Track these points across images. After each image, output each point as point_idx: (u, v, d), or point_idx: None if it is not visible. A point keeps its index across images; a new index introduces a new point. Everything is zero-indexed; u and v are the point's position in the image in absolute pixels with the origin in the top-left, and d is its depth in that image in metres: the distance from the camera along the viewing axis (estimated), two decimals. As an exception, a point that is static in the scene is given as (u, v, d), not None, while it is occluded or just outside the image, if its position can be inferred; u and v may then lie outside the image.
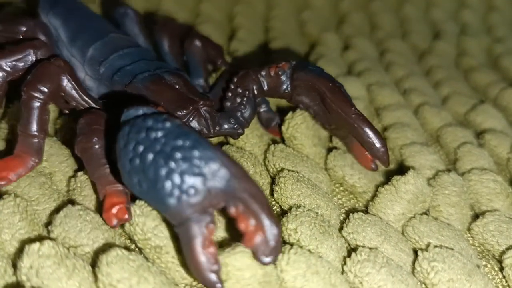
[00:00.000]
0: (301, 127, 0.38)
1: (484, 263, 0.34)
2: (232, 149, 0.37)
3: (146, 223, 0.29)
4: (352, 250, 0.32)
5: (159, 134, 0.26)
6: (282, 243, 0.32)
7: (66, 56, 0.37)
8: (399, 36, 0.64)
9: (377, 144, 0.35)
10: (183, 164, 0.25)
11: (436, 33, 0.66)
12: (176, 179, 0.25)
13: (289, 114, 0.39)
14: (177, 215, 0.26)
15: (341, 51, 0.57)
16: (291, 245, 0.30)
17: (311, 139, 0.39)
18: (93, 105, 0.34)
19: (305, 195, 0.34)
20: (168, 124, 0.26)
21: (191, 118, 0.33)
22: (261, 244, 0.25)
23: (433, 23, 0.68)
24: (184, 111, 0.33)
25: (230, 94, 0.36)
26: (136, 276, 0.26)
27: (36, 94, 0.32)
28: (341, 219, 0.35)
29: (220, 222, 0.31)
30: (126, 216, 0.29)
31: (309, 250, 0.30)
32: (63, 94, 0.33)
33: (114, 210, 0.29)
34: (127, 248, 0.30)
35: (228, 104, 0.36)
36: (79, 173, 0.33)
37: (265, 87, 0.37)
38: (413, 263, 0.32)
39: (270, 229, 0.25)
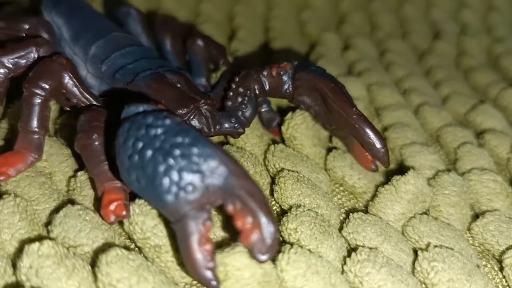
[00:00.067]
0: (301, 127, 0.38)
1: (484, 263, 0.34)
2: (232, 149, 0.37)
3: (146, 222, 0.29)
4: (352, 250, 0.32)
5: (159, 131, 0.26)
6: (282, 243, 0.32)
7: (68, 54, 0.38)
8: (399, 36, 0.64)
9: (378, 145, 0.35)
10: (181, 161, 0.25)
11: (436, 33, 0.66)
12: (174, 176, 0.25)
13: (289, 115, 0.39)
14: (175, 212, 0.26)
15: (341, 51, 0.57)
16: (291, 244, 0.30)
17: (311, 139, 0.39)
18: (94, 103, 0.34)
19: (305, 195, 0.34)
20: (168, 121, 0.27)
21: (191, 117, 0.33)
22: (257, 242, 0.25)
23: (433, 23, 0.68)
24: (185, 110, 0.33)
25: (231, 93, 0.36)
26: (135, 275, 0.26)
27: (37, 91, 0.32)
28: (341, 219, 0.35)
29: (220, 222, 0.31)
30: (124, 212, 0.29)
31: (309, 250, 0.30)
32: (64, 91, 0.33)
33: (112, 207, 0.29)
34: (126, 248, 0.30)
35: (229, 103, 0.36)
36: (79, 173, 0.33)
37: (267, 87, 0.37)
38: (413, 263, 0.32)
39: (267, 227, 0.25)
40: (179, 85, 0.34)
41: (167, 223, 0.29)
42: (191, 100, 0.33)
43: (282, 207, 0.35)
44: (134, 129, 0.27)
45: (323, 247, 0.31)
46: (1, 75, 0.35)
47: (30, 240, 0.29)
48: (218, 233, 0.31)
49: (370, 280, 0.29)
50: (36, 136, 0.32)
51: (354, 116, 0.35)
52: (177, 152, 0.26)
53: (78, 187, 0.33)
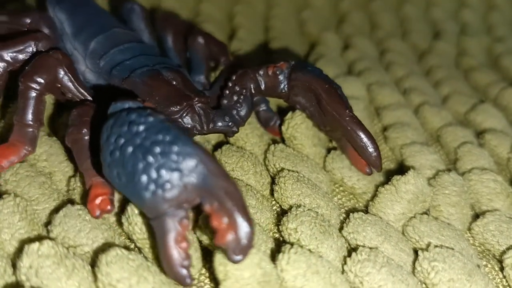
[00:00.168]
0: (301, 127, 0.38)
1: (484, 263, 0.34)
2: (232, 148, 0.37)
3: (145, 222, 0.29)
4: (352, 249, 0.32)
5: (141, 128, 0.26)
6: (282, 242, 0.32)
7: (69, 49, 0.38)
8: (399, 35, 0.64)
9: (370, 149, 0.35)
10: (161, 158, 0.26)
11: (436, 33, 0.65)
12: (153, 173, 0.26)
13: (289, 114, 0.39)
14: (152, 209, 0.26)
15: (341, 51, 0.57)
16: (291, 244, 0.30)
17: (311, 139, 0.39)
18: (89, 98, 0.34)
19: (305, 195, 0.34)
20: (150, 119, 0.27)
21: (184, 114, 0.33)
22: (232, 242, 0.25)
23: (433, 23, 0.68)
24: (178, 107, 0.33)
25: (227, 92, 0.36)
26: (135, 275, 0.26)
27: (32, 85, 0.32)
28: (341, 218, 0.35)
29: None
30: (109, 207, 0.30)
31: (309, 250, 0.30)
32: (59, 86, 0.34)
33: (98, 201, 0.30)
34: (126, 248, 0.30)
35: (225, 101, 0.36)
36: (79, 173, 0.33)
37: (263, 86, 0.37)
38: (414, 263, 0.32)
39: (242, 227, 0.25)
40: (174, 82, 0.34)
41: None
42: (184, 98, 0.33)
43: (282, 207, 0.35)
44: (117, 126, 0.27)
45: (323, 247, 0.31)
46: (0, 69, 0.35)
47: (30, 240, 0.29)
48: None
49: (370, 280, 0.29)
50: (31, 129, 0.33)
51: (347, 118, 0.35)
52: (157, 149, 0.26)
53: (78, 187, 0.33)
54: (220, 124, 0.34)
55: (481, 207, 0.38)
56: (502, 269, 0.34)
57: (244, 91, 0.36)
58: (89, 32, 0.38)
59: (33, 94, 0.32)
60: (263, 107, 0.40)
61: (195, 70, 0.40)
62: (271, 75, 0.36)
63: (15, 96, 0.36)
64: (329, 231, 0.32)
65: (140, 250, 0.30)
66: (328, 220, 0.33)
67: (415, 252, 0.33)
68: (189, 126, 0.33)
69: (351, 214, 0.34)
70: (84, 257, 0.29)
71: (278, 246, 0.31)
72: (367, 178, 0.37)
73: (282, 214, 0.34)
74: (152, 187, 0.26)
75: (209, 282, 0.30)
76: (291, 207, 0.33)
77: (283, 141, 0.40)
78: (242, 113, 0.36)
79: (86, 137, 0.31)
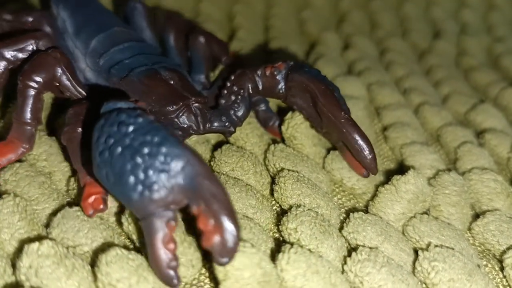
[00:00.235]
0: (301, 127, 0.38)
1: (484, 262, 0.34)
2: (232, 148, 0.37)
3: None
4: (352, 249, 0.32)
5: (130, 128, 0.26)
6: (282, 242, 0.32)
7: (70, 48, 0.38)
8: (399, 35, 0.64)
9: (365, 151, 0.34)
10: (148, 159, 0.26)
11: (436, 32, 0.65)
12: (140, 174, 0.26)
13: (289, 114, 0.39)
14: (140, 210, 0.26)
15: (341, 50, 0.57)
16: (291, 244, 0.30)
17: (311, 139, 0.39)
18: (87, 96, 0.35)
19: (305, 195, 0.34)
20: (140, 120, 0.27)
21: (180, 114, 0.33)
22: (218, 244, 0.25)
23: (433, 22, 0.68)
24: (174, 107, 0.33)
25: (225, 91, 0.36)
26: (135, 275, 0.26)
27: (31, 84, 0.33)
28: (341, 218, 0.35)
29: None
30: (102, 206, 0.30)
31: (309, 250, 0.30)
32: (57, 84, 0.34)
33: (91, 200, 0.30)
34: (126, 247, 0.30)
35: (223, 101, 0.36)
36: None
37: (260, 87, 0.37)
38: (414, 262, 0.32)
39: (228, 230, 0.25)
40: (172, 82, 0.34)
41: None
42: (181, 97, 0.33)
43: (282, 207, 0.35)
44: (107, 126, 0.27)
45: (323, 247, 0.31)
46: (1, 67, 0.35)
47: (30, 240, 0.29)
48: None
49: (370, 280, 0.29)
50: (29, 128, 0.33)
51: (342, 121, 0.34)
52: (145, 150, 0.26)
53: (78, 187, 0.33)
54: (216, 124, 0.34)
55: (481, 206, 0.38)
56: (502, 269, 0.34)
57: (241, 91, 0.36)
58: (90, 31, 0.38)
59: (32, 92, 0.33)
60: (262, 107, 0.40)
61: (195, 69, 0.40)
62: (269, 76, 0.36)
63: (15, 95, 0.36)
64: (329, 231, 0.32)
65: (140, 250, 0.30)
66: (328, 220, 0.33)
67: (415, 252, 0.32)
68: (185, 126, 0.33)
69: (351, 214, 0.34)
70: (83, 257, 0.29)
71: (278, 246, 0.31)
72: (367, 179, 0.37)
73: (282, 214, 0.34)
74: (139, 188, 0.26)
75: (209, 282, 0.30)
76: (291, 207, 0.33)
77: (283, 141, 0.40)
78: (240, 113, 0.36)
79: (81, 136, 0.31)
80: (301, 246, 0.30)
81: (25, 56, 0.35)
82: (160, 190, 0.26)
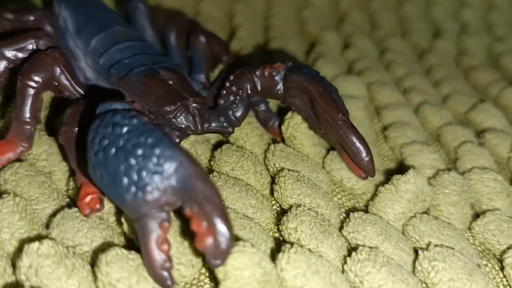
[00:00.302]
0: (300, 127, 0.38)
1: (484, 262, 0.34)
2: (232, 148, 0.37)
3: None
4: (352, 249, 0.32)
5: (124, 130, 0.27)
6: (282, 242, 0.32)
7: (71, 47, 0.38)
8: (399, 34, 0.64)
9: (362, 153, 0.34)
10: (142, 161, 0.26)
11: (436, 32, 0.65)
12: (134, 175, 0.26)
13: (289, 114, 0.39)
14: (134, 211, 0.26)
15: (341, 50, 0.57)
16: (291, 244, 0.30)
17: (311, 139, 0.38)
18: (86, 96, 0.35)
19: (305, 195, 0.34)
20: (134, 121, 0.27)
21: (178, 114, 0.33)
22: (211, 246, 0.25)
23: (433, 22, 0.68)
24: (172, 107, 0.33)
25: (224, 92, 0.36)
26: (135, 275, 0.26)
27: (30, 83, 0.33)
28: (341, 218, 0.35)
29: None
30: (98, 206, 0.30)
31: (309, 249, 0.30)
32: (56, 84, 0.34)
33: (87, 200, 0.30)
34: (126, 247, 0.29)
35: (222, 102, 0.36)
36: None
37: (259, 87, 0.37)
38: (414, 262, 0.32)
39: (221, 232, 0.25)
40: (171, 82, 0.34)
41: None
42: (179, 98, 0.33)
43: (282, 206, 0.35)
44: (102, 127, 0.27)
45: (323, 247, 0.31)
46: (1, 66, 0.35)
47: (30, 240, 0.29)
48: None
49: (370, 280, 0.29)
50: (28, 127, 0.33)
51: (340, 122, 0.34)
52: (138, 152, 0.26)
53: (76, 186, 0.33)
54: (214, 124, 0.34)
55: (481, 206, 0.37)
56: (502, 268, 0.34)
57: (240, 91, 0.36)
58: (91, 30, 0.38)
59: (31, 92, 0.33)
60: (262, 107, 0.40)
61: (196, 69, 0.40)
62: (268, 76, 0.36)
63: (15, 94, 0.36)
64: (329, 230, 0.32)
65: (139, 250, 0.30)
66: (328, 219, 0.33)
67: (415, 251, 0.32)
68: (183, 126, 0.33)
69: (351, 213, 0.34)
70: (83, 256, 0.29)
71: (278, 246, 0.31)
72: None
73: (282, 213, 0.34)
74: (133, 189, 0.26)
75: (209, 282, 0.30)
76: (291, 206, 0.33)
77: (283, 140, 0.40)
78: (238, 113, 0.36)
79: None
80: (301, 246, 0.30)
81: (25, 56, 0.36)
82: (153, 192, 0.26)
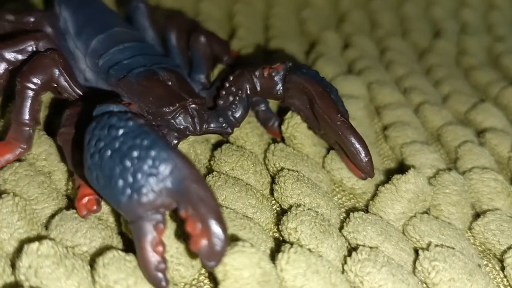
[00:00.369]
0: (300, 126, 0.38)
1: (485, 262, 0.34)
2: (232, 147, 0.37)
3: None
4: (352, 249, 0.32)
5: (120, 132, 0.27)
6: (282, 242, 0.31)
7: (71, 48, 0.38)
8: (400, 34, 0.64)
9: (361, 154, 0.34)
10: (137, 163, 0.26)
11: (437, 32, 0.65)
12: (129, 177, 0.26)
13: (289, 114, 0.39)
14: (129, 213, 0.26)
15: (341, 50, 0.57)
16: (291, 244, 0.30)
17: (311, 139, 0.38)
18: (85, 97, 0.35)
19: (305, 194, 0.34)
20: (130, 123, 0.27)
21: (177, 115, 0.33)
22: (205, 248, 0.25)
23: (433, 22, 0.68)
24: (171, 108, 0.33)
25: (223, 92, 0.36)
26: (133, 276, 0.26)
27: (29, 85, 0.33)
28: (342, 218, 0.35)
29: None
30: (95, 207, 0.30)
31: (309, 249, 0.30)
32: (55, 85, 0.34)
33: (84, 201, 0.30)
34: (125, 247, 0.29)
35: (221, 102, 0.36)
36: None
37: (258, 88, 0.37)
38: (414, 262, 0.32)
39: (215, 234, 0.25)
40: (170, 83, 0.34)
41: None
42: (178, 99, 0.33)
43: (282, 206, 0.35)
44: (98, 129, 0.27)
45: (323, 247, 0.31)
46: (1, 68, 0.35)
47: (29, 240, 0.29)
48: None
49: (370, 280, 0.29)
50: (27, 128, 0.33)
51: (338, 123, 0.34)
52: (134, 154, 0.26)
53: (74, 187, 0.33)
54: (213, 125, 0.34)
55: (482, 206, 0.37)
56: (503, 268, 0.33)
57: (239, 92, 0.36)
58: (91, 31, 0.38)
59: (30, 93, 0.33)
60: (262, 107, 0.40)
61: (196, 69, 0.40)
62: (267, 77, 0.36)
63: (14, 95, 0.36)
64: (329, 230, 0.32)
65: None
66: (328, 219, 0.33)
67: (416, 251, 0.32)
68: (181, 127, 0.33)
69: (351, 213, 0.34)
70: (82, 257, 0.29)
71: (278, 246, 0.31)
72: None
73: (282, 213, 0.34)
74: (128, 191, 0.26)
75: (208, 282, 0.30)
76: (291, 206, 0.33)
77: (283, 140, 0.39)
78: (237, 114, 0.35)
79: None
80: (301, 246, 0.30)
81: (25, 57, 0.36)
82: (148, 194, 0.26)
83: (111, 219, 0.32)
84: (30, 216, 0.30)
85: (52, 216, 0.31)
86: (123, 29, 0.39)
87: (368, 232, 0.32)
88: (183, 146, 0.36)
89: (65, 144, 0.32)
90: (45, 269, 0.26)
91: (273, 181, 0.36)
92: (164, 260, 0.26)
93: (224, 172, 0.36)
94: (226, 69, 0.43)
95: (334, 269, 0.29)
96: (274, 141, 0.40)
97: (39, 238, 0.29)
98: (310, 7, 0.66)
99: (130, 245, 0.31)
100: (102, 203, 0.31)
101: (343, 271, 0.30)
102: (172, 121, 0.33)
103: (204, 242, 0.25)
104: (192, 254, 0.29)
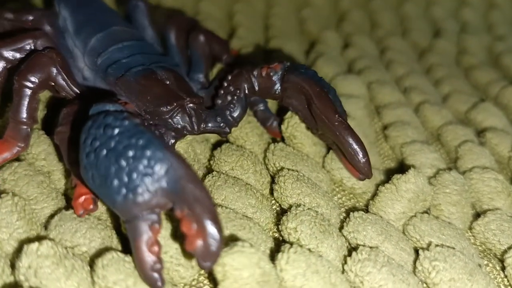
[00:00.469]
0: (300, 126, 0.38)
1: (485, 262, 0.34)
2: (232, 147, 0.37)
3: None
4: (352, 249, 0.32)
5: (115, 131, 0.27)
6: (282, 242, 0.31)
7: (70, 47, 0.38)
8: (400, 34, 0.64)
9: (359, 155, 0.34)
10: (133, 163, 0.26)
11: (437, 31, 0.65)
12: (124, 177, 0.26)
13: (289, 113, 0.38)
14: (124, 213, 0.26)
15: (341, 49, 0.57)
16: (291, 244, 0.30)
17: (311, 138, 0.38)
18: (82, 96, 0.35)
19: (305, 194, 0.34)
20: (126, 123, 0.27)
21: (174, 114, 0.33)
22: (200, 248, 0.25)
23: (433, 21, 0.68)
24: (168, 107, 0.33)
25: (222, 92, 0.36)
26: (132, 277, 0.26)
27: (26, 83, 0.33)
28: (342, 218, 0.35)
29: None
30: (92, 206, 0.30)
31: (309, 249, 0.30)
32: (53, 84, 0.34)
33: (81, 200, 0.30)
34: (125, 248, 0.29)
35: (219, 102, 0.36)
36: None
37: (256, 88, 0.36)
38: (414, 262, 0.32)
39: (211, 234, 0.25)
40: (168, 82, 0.34)
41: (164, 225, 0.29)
42: (175, 98, 0.33)
43: (282, 206, 0.35)
44: (94, 128, 0.27)
45: (323, 247, 0.31)
46: (0, 66, 0.35)
47: (29, 240, 0.29)
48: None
49: (371, 280, 0.29)
50: (24, 127, 0.33)
51: (336, 124, 0.34)
52: (129, 153, 0.26)
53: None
54: (211, 124, 0.34)
55: (482, 206, 0.37)
56: (503, 268, 0.33)
57: (238, 91, 0.36)
58: (90, 30, 0.38)
59: (27, 92, 0.33)
60: (261, 107, 0.40)
61: (194, 68, 0.40)
62: (265, 76, 0.36)
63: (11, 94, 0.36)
64: (329, 230, 0.32)
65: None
66: (328, 219, 0.33)
67: (416, 251, 0.32)
68: (179, 126, 0.33)
69: (351, 213, 0.33)
70: (82, 257, 0.29)
71: (278, 246, 0.31)
72: (367, 178, 0.37)
73: (281, 213, 0.34)
74: (123, 191, 0.26)
75: (208, 283, 0.30)
76: (291, 206, 0.33)
77: (283, 140, 0.39)
78: (235, 114, 0.35)
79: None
80: (301, 246, 0.30)
81: (23, 56, 0.36)
82: (143, 194, 0.26)
83: (110, 219, 0.32)
84: (30, 216, 0.30)
85: (52, 216, 0.31)
86: (122, 27, 0.39)
87: (368, 232, 0.32)
88: (181, 145, 0.36)
89: (61, 143, 0.32)
90: (45, 270, 0.26)
91: (273, 181, 0.36)
92: (160, 260, 0.26)
93: (223, 171, 0.36)
94: (225, 68, 0.43)
95: (334, 269, 0.29)
96: (274, 140, 0.40)
97: (38, 238, 0.29)
98: (310, 6, 0.66)
99: (129, 246, 0.31)
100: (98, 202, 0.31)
101: (343, 271, 0.30)
102: (170, 120, 0.33)
103: (199, 242, 0.25)
104: (188, 255, 0.29)
